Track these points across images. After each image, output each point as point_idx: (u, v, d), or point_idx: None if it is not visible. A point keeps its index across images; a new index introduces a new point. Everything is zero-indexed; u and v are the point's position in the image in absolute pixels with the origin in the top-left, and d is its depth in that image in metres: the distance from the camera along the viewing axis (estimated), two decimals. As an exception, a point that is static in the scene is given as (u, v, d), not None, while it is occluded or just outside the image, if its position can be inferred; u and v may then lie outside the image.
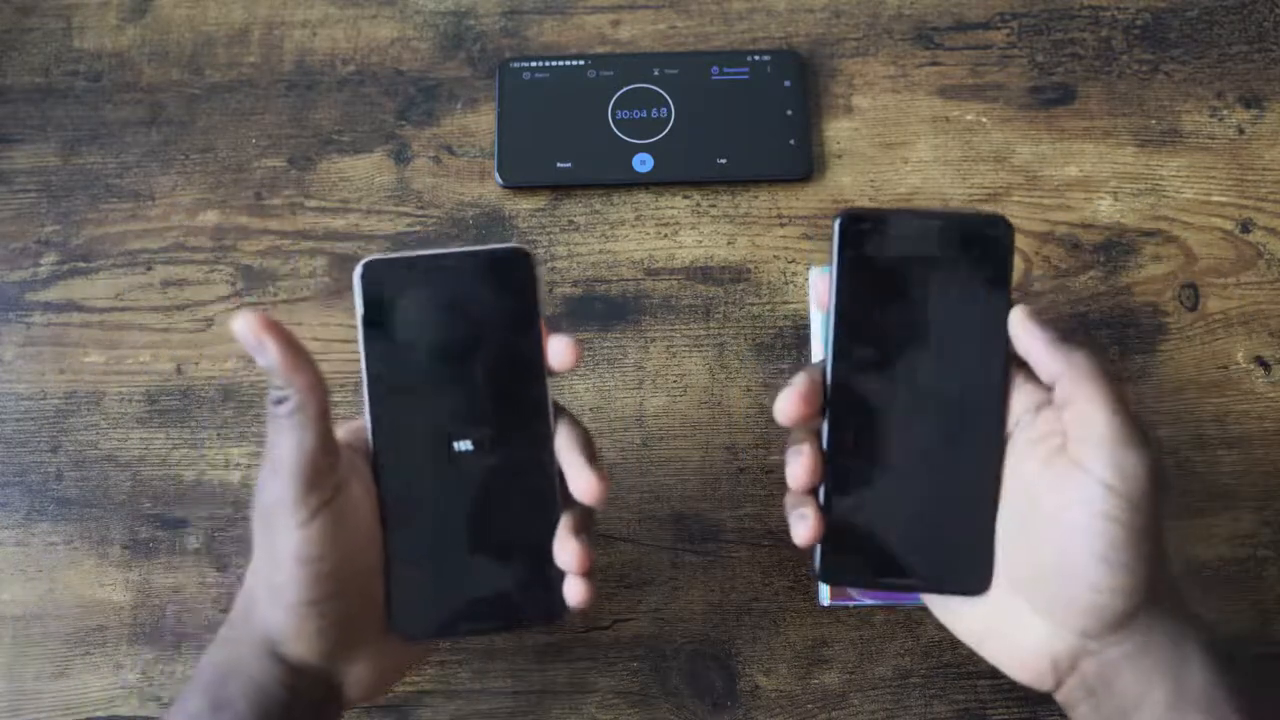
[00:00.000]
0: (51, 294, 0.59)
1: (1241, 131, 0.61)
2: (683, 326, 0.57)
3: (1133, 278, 0.58)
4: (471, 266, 0.40)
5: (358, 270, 0.40)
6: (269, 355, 0.37)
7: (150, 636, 0.52)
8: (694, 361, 0.57)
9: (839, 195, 0.60)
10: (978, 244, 0.40)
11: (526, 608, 0.41)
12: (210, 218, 0.60)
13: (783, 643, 0.51)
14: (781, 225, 0.60)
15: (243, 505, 0.54)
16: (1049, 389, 0.39)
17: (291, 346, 0.37)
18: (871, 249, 0.40)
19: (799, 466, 0.39)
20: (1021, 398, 0.40)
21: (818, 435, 0.40)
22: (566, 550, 0.40)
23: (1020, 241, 0.59)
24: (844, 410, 0.40)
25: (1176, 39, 0.64)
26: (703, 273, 0.59)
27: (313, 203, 0.60)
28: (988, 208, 0.60)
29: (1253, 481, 0.54)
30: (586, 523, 0.41)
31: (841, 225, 0.40)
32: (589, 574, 0.40)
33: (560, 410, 0.42)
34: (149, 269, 0.59)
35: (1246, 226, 0.59)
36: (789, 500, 0.41)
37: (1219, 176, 0.60)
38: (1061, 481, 0.37)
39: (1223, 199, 0.60)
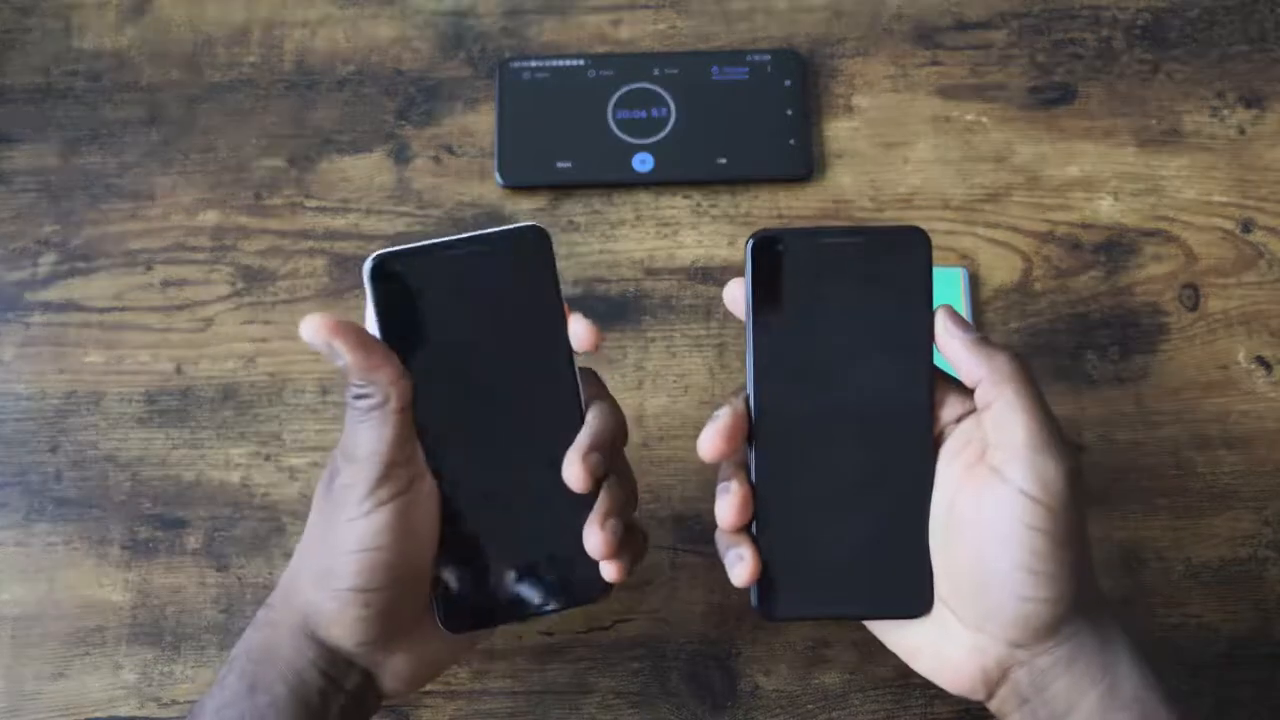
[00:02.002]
0: (51, 294, 0.59)
1: (1242, 131, 0.61)
2: (683, 326, 0.57)
3: (1133, 278, 0.58)
4: (487, 250, 0.38)
5: (367, 266, 0.38)
6: (343, 358, 0.36)
7: (150, 636, 0.52)
8: (694, 361, 0.57)
9: (839, 195, 0.60)
10: (894, 258, 0.38)
11: (567, 590, 0.41)
12: (210, 218, 0.60)
13: (783, 643, 0.51)
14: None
15: (243, 505, 0.54)
16: (971, 396, 0.38)
17: (366, 345, 0.37)
18: (787, 271, 0.38)
19: (729, 505, 0.38)
20: (944, 410, 0.39)
21: (746, 469, 0.39)
22: (592, 537, 0.39)
23: (1020, 241, 0.59)
24: (770, 440, 0.39)
25: (1177, 39, 0.64)
26: (703, 273, 0.59)
27: (313, 203, 0.60)
28: (988, 208, 0.60)
29: (1253, 481, 0.54)
30: (619, 507, 0.40)
31: (753, 249, 0.38)
32: (620, 555, 0.39)
33: (596, 396, 0.41)
34: (149, 269, 0.59)
35: (1247, 226, 0.59)
36: (721, 540, 0.40)
37: (1220, 176, 0.60)
38: (981, 490, 0.37)
39: (1223, 199, 0.60)
